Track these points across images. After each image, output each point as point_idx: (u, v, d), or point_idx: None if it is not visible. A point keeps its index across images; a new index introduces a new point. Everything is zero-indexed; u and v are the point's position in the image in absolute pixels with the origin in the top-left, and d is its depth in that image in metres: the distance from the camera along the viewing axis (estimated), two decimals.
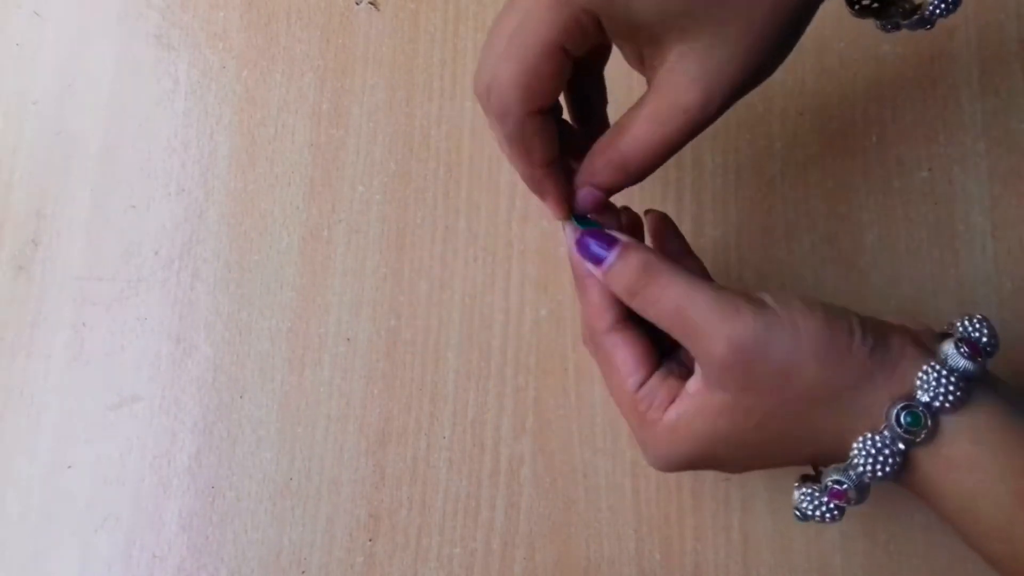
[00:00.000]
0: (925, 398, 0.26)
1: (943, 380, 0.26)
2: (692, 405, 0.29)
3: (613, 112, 0.33)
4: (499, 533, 0.41)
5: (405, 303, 0.44)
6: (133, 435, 0.44)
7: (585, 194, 0.31)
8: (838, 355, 0.27)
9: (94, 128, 0.48)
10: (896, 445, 0.27)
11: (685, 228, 0.43)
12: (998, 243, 0.41)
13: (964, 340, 0.27)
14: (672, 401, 0.30)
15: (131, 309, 0.45)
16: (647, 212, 0.35)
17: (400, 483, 0.42)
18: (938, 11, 0.30)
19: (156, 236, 0.46)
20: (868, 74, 0.44)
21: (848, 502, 0.28)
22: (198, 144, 0.47)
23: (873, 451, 0.27)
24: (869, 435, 0.27)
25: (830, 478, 0.28)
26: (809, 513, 0.29)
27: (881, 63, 0.44)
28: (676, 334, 0.29)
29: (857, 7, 0.33)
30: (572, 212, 0.32)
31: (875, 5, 0.32)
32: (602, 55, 0.33)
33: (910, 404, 0.26)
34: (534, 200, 0.44)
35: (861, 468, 0.27)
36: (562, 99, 0.34)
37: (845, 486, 0.27)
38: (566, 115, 0.34)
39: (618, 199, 0.33)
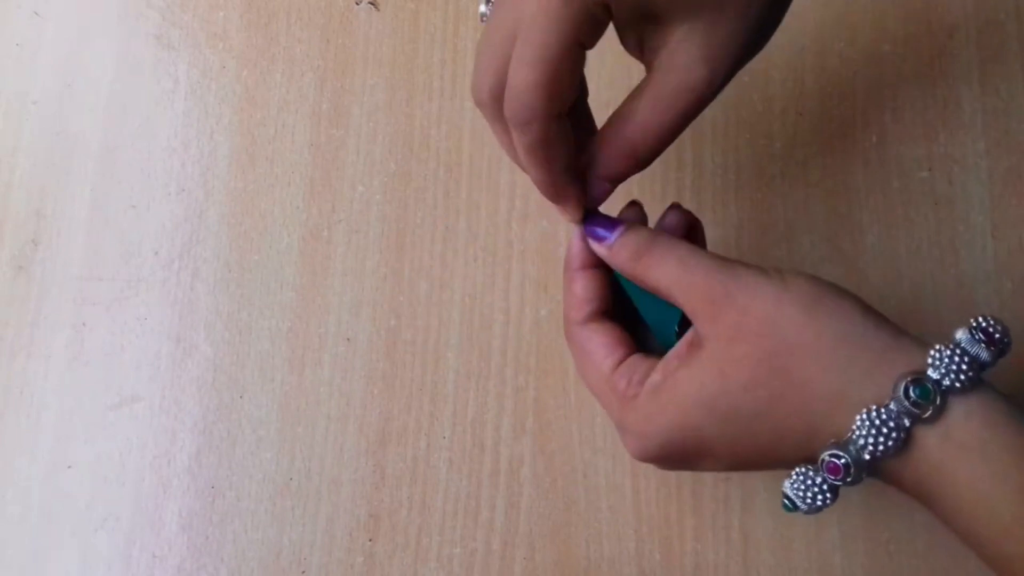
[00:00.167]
0: (935, 375, 0.25)
1: (956, 359, 0.25)
2: (676, 364, 0.28)
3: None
4: (499, 533, 0.41)
5: (405, 303, 0.44)
6: (133, 435, 0.44)
7: (596, 189, 0.31)
8: (827, 308, 0.27)
9: (94, 128, 0.48)
10: (901, 420, 0.25)
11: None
12: (998, 243, 0.41)
13: (979, 329, 0.26)
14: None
15: (131, 309, 0.45)
16: (672, 206, 0.33)
17: (400, 483, 0.42)
18: None
19: (156, 236, 0.46)
20: (868, 74, 0.44)
21: (844, 479, 0.26)
22: (198, 144, 0.47)
23: (877, 423, 0.25)
24: (873, 407, 0.25)
25: (827, 452, 0.26)
26: (800, 494, 0.27)
27: (881, 63, 0.44)
28: (676, 292, 0.29)
29: None
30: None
31: None
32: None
33: (920, 377, 0.25)
34: (534, 200, 0.44)
35: (862, 442, 0.25)
36: None
37: (843, 460, 0.26)
38: None
39: (619, 198, 0.34)
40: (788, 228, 0.43)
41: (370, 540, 0.42)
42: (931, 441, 0.25)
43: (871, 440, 0.25)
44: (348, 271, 0.45)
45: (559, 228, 0.44)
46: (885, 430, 0.25)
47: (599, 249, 0.31)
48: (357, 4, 0.48)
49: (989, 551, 0.26)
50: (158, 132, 0.47)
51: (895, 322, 0.28)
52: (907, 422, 0.25)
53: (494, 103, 0.29)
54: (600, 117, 0.32)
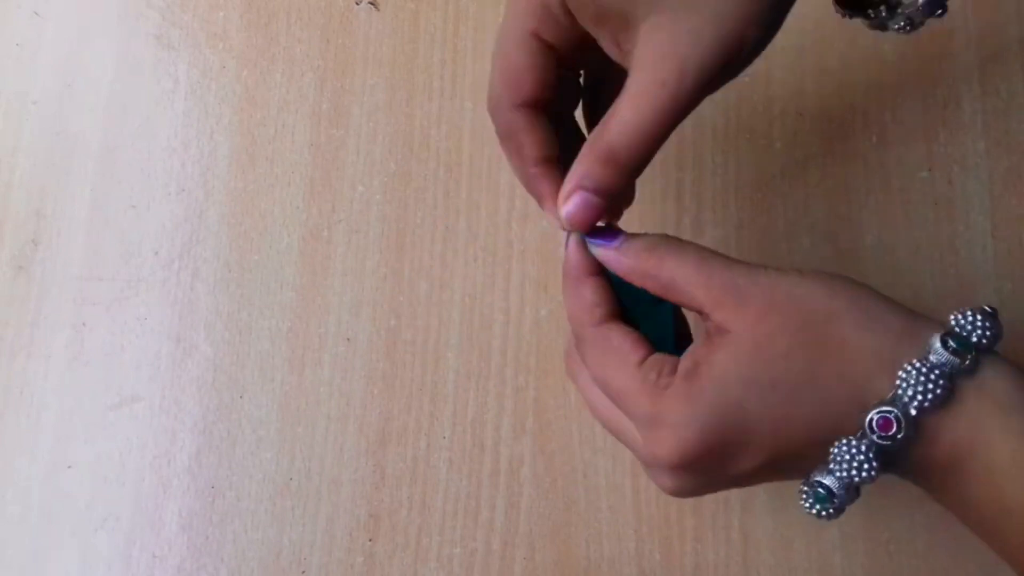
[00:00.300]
0: (963, 333, 0.26)
1: (977, 321, 0.26)
2: (706, 350, 0.27)
3: None
4: (499, 533, 0.41)
5: (405, 303, 0.44)
6: (133, 435, 0.44)
7: (577, 203, 0.29)
8: (846, 287, 0.27)
9: (94, 128, 0.48)
10: (944, 369, 0.25)
11: (685, 228, 0.43)
12: (998, 243, 0.41)
13: (979, 311, 0.27)
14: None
15: (131, 309, 0.45)
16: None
17: (400, 483, 0.42)
18: (920, 11, 0.30)
19: (156, 236, 0.46)
20: (868, 74, 0.44)
21: (896, 435, 0.25)
22: (198, 144, 0.47)
23: (924, 371, 0.25)
24: (916, 361, 0.26)
25: (875, 411, 0.26)
26: (842, 470, 0.26)
27: (881, 63, 0.44)
28: (694, 285, 0.28)
29: (843, 4, 0.33)
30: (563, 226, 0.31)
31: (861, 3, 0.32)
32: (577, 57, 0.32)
33: (952, 332, 0.26)
34: (534, 200, 0.44)
35: (910, 393, 0.25)
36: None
37: (893, 414, 0.25)
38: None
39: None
40: (788, 228, 0.43)
41: (370, 540, 0.42)
42: (970, 395, 0.26)
43: (919, 390, 0.25)
44: (348, 271, 0.45)
45: (559, 228, 0.44)
46: (931, 380, 0.25)
47: (606, 253, 0.30)
48: (357, 4, 0.48)
49: (1014, 518, 0.25)
50: (158, 132, 0.47)
51: None
52: (949, 370, 0.26)
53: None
54: None
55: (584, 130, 0.34)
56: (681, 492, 0.29)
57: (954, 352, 0.25)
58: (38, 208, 0.47)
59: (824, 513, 0.27)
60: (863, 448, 0.26)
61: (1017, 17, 0.43)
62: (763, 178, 0.43)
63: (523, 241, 0.44)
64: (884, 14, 0.32)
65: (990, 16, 0.43)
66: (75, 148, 0.48)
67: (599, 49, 0.30)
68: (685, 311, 0.31)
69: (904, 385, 0.25)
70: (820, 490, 0.27)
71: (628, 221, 0.34)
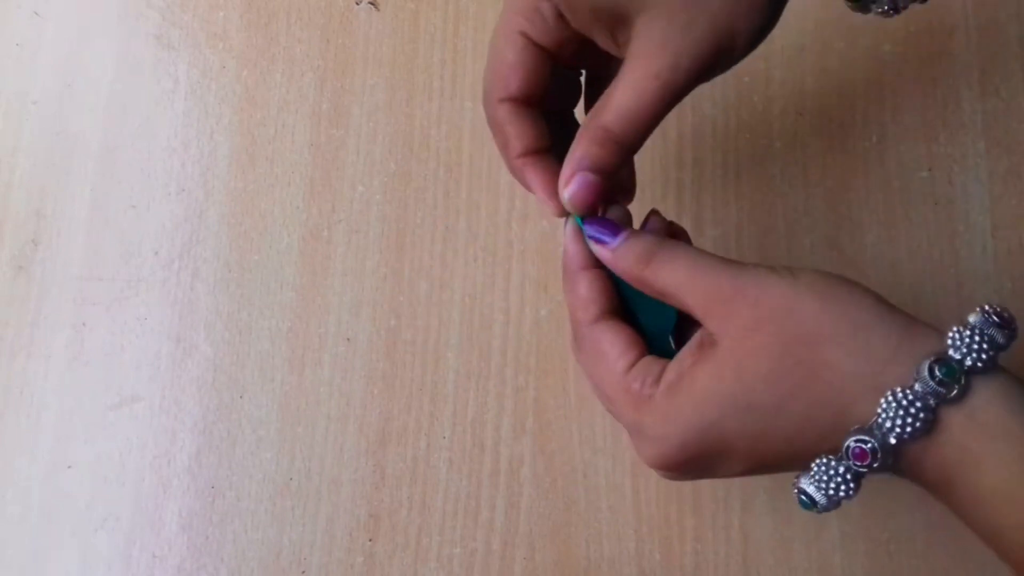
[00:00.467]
0: (957, 355, 0.25)
1: (976, 338, 0.25)
2: (691, 362, 0.28)
3: None
4: (499, 533, 0.41)
5: (405, 303, 0.44)
6: (133, 435, 0.44)
7: (578, 183, 0.29)
8: (840, 297, 0.26)
9: (94, 128, 0.48)
10: (928, 400, 0.24)
11: (685, 228, 0.43)
12: (998, 243, 0.41)
13: (992, 312, 0.26)
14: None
15: (131, 309, 0.45)
16: (669, 224, 0.33)
17: (400, 483, 0.42)
18: None
19: (156, 236, 0.46)
20: (868, 74, 0.44)
21: (871, 464, 0.25)
22: (198, 144, 0.47)
23: (904, 403, 0.24)
24: (899, 389, 0.25)
25: (852, 439, 0.25)
26: (822, 486, 0.26)
27: (881, 63, 0.44)
28: (685, 293, 0.28)
29: None
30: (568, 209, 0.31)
31: None
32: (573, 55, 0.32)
33: (943, 357, 0.25)
34: (534, 200, 0.44)
35: (888, 424, 0.25)
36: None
37: (869, 444, 0.25)
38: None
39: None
40: (788, 228, 0.43)
41: (370, 540, 0.42)
42: (956, 422, 0.25)
43: (898, 422, 0.25)
44: (348, 271, 0.45)
45: (559, 228, 0.44)
46: (912, 411, 0.25)
47: (602, 253, 0.30)
48: (357, 4, 0.48)
49: (1008, 540, 0.25)
50: (158, 132, 0.47)
51: None
52: (933, 403, 0.25)
53: None
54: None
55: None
56: (671, 479, 0.31)
57: (940, 383, 0.25)
58: (38, 208, 0.47)
59: (814, 511, 0.27)
60: (841, 470, 0.26)
61: (1017, 17, 0.43)
62: (763, 178, 0.43)
63: (523, 241, 0.44)
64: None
65: (990, 16, 0.43)
66: (75, 148, 0.48)
67: (595, 48, 0.30)
68: None
69: (884, 415, 0.25)
70: (804, 497, 0.27)
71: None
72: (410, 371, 0.43)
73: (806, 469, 0.27)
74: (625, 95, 0.28)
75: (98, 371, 0.45)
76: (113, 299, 0.46)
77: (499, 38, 0.30)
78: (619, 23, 0.28)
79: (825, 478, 0.26)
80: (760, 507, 0.40)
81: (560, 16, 0.29)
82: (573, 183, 0.29)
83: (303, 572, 0.42)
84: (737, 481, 0.40)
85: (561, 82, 0.32)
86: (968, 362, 0.25)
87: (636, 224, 0.33)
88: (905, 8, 0.31)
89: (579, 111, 0.35)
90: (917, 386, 0.25)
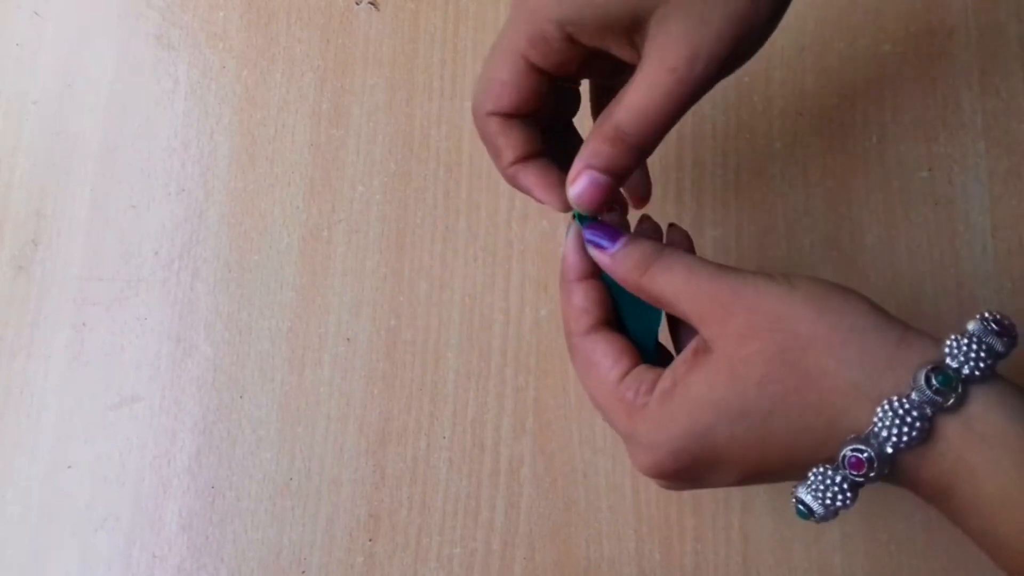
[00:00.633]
0: (954, 364, 0.25)
1: (973, 347, 0.25)
2: (685, 369, 0.28)
3: None
4: (499, 533, 0.41)
5: (405, 303, 0.44)
6: (133, 435, 0.44)
7: (585, 182, 0.29)
8: (836, 304, 0.26)
9: (94, 128, 0.48)
10: (924, 409, 0.24)
11: (685, 228, 0.43)
12: (998, 243, 0.41)
13: (991, 320, 0.26)
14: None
15: (131, 309, 0.45)
16: (671, 226, 0.34)
17: (400, 483, 0.42)
18: None
19: (156, 236, 0.46)
20: (868, 74, 0.44)
21: (867, 474, 0.25)
22: (198, 144, 0.47)
23: (901, 412, 0.24)
24: (895, 398, 0.25)
25: (848, 448, 0.25)
26: (818, 497, 0.26)
27: (881, 63, 0.44)
28: (682, 300, 0.28)
29: None
30: (574, 208, 0.31)
31: None
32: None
33: (940, 366, 0.25)
34: (534, 200, 0.44)
35: (885, 434, 0.24)
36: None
37: (866, 454, 0.25)
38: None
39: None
40: (788, 228, 0.43)
41: (370, 540, 0.42)
42: (953, 431, 0.25)
43: (894, 432, 0.24)
44: (348, 271, 0.45)
45: (559, 228, 0.44)
46: (909, 420, 0.24)
47: (600, 258, 0.30)
48: (357, 4, 0.48)
49: (1007, 549, 0.25)
50: (158, 132, 0.47)
51: None
52: (930, 411, 0.25)
53: None
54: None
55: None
56: (666, 487, 0.30)
57: (937, 391, 0.24)
58: (38, 208, 0.47)
59: (812, 520, 0.27)
60: (838, 479, 0.26)
61: (1017, 17, 0.43)
62: (763, 178, 0.43)
63: (523, 241, 0.44)
64: None
65: (990, 16, 0.43)
66: (75, 148, 0.48)
67: (600, 64, 0.30)
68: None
69: (880, 424, 0.25)
70: (801, 506, 0.27)
71: (628, 220, 0.34)
72: (410, 371, 0.43)
73: (803, 478, 0.27)
74: (639, 92, 0.27)
75: (98, 371, 0.45)
76: (113, 299, 0.46)
77: (497, 55, 0.29)
78: (634, 27, 0.27)
79: (822, 488, 0.26)
80: (760, 507, 0.40)
81: (567, 38, 0.28)
82: (580, 181, 0.29)
83: (303, 572, 0.42)
84: None
85: (558, 94, 0.32)
86: (965, 371, 0.25)
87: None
88: None
89: (578, 121, 0.35)
90: (914, 395, 0.25)
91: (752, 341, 0.26)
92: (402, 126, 0.46)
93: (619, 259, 0.30)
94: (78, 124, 0.48)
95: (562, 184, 0.30)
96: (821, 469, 0.26)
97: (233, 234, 0.46)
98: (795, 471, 0.27)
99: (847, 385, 0.25)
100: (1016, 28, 0.43)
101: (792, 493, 0.27)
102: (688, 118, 0.44)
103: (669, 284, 0.29)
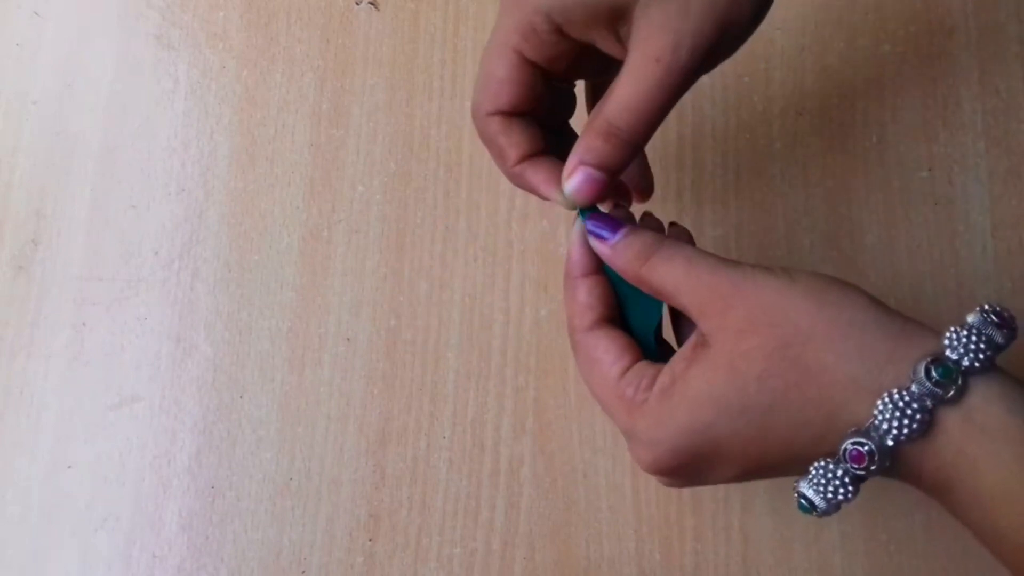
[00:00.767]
0: (954, 356, 0.25)
1: (972, 339, 0.25)
2: (684, 365, 0.28)
3: None
4: (499, 533, 0.41)
5: (405, 303, 0.44)
6: (133, 435, 0.44)
7: (580, 177, 0.29)
8: (836, 298, 0.26)
9: (94, 128, 0.48)
10: (924, 401, 0.24)
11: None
12: (998, 243, 0.41)
13: (991, 311, 0.26)
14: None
15: (131, 309, 0.45)
16: (672, 224, 0.34)
17: (400, 483, 0.42)
18: None
19: (156, 236, 0.46)
20: (868, 74, 0.44)
21: (868, 467, 0.25)
22: (198, 144, 0.47)
23: (901, 405, 0.24)
24: (895, 390, 0.25)
25: (849, 440, 0.25)
26: (820, 490, 0.26)
27: (881, 63, 0.44)
28: (682, 292, 0.28)
29: None
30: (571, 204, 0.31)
31: None
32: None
33: (940, 358, 0.25)
34: (534, 200, 0.44)
35: (885, 426, 0.24)
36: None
37: (867, 447, 0.25)
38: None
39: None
40: (788, 228, 0.43)
41: (370, 540, 0.42)
42: (953, 424, 0.25)
43: (895, 424, 0.25)
44: (348, 271, 0.45)
45: (559, 228, 0.44)
46: (909, 412, 0.24)
47: (601, 248, 0.30)
48: (357, 4, 0.48)
49: (1007, 542, 0.25)
50: (158, 132, 0.47)
51: None
52: (930, 404, 0.25)
53: None
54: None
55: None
56: (667, 484, 0.31)
57: (937, 383, 0.24)
58: (38, 208, 0.47)
59: (814, 515, 0.27)
60: (839, 473, 0.26)
61: (1017, 17, 0.43)
62: (763, 178, 0.43)
63: (523, 241, 0.44)
64: None
65: (990, 16, 0.43)
66: (75, 148, 0.48)
67: (591, 60, 0.30)
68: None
69: (881, 417, 0.25)
70: (803, 500, 0.27)
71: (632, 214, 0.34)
72: (410, 371, 0.43)
73: (804, 473, 0.27)
74: (627, 85, 0.27)
75: (98, 371, 0.45)
76: (113, 299, 0.46)
77: (491, 53, 0.30)
78: (618, 17, 0.28)
79: (823, 482, 0.26)
80: (760, 507, 0.40)
81: (556, 30, 0.29)
82: (575, 177, 0.29)
83: (303, 572, 0.42)
84: None
85: (554, 95, 0.32)
86: (965, 363, 0.25)
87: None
88: None
89: (574, 123, 0.35)
90: (914, 387, 0.25)
91: (751, 336, 0.26)
92: (402, 126, 0.46)
93: (619, 249, 0.30)
94: (78, 124, 0.48)
95: (550, 189, 0.30)
96: (822, 463, 0.26)
97: (233, 234, 0.46)
98: (796, 465, 0.27)
99: (847, 379, 0.25)
100: (1016, 28, 0.43)
101: (794, 488, 0.27)
102: (688, 118, 0.44)
103: (669, 275, 0.28)
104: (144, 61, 0.49)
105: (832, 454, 0.26)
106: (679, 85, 0.27)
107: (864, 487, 0.26)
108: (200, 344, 0.45)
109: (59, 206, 0.47)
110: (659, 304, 0.31)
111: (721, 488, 0.40)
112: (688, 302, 0.28)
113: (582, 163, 0.29)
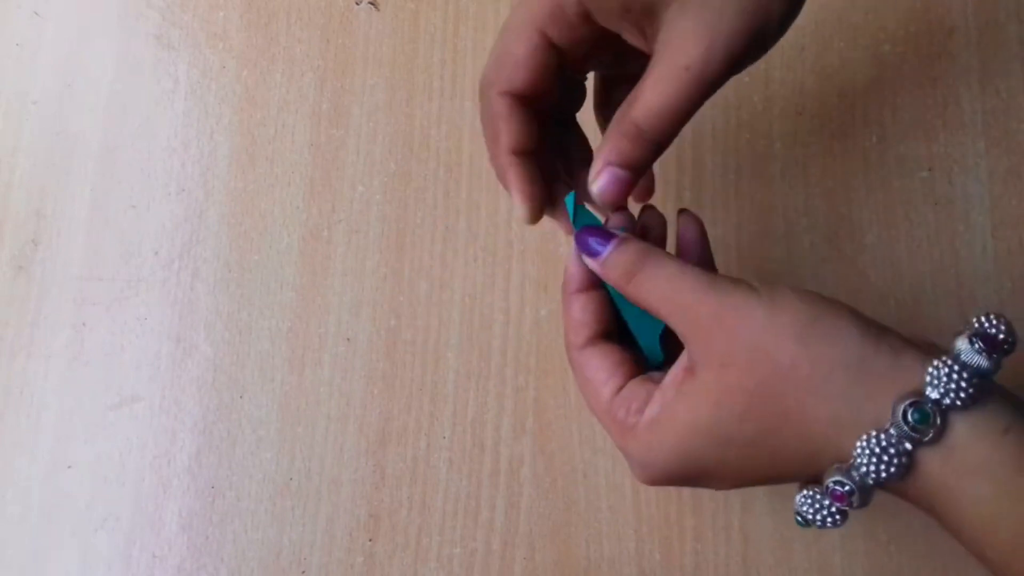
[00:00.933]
0: (935, 394, 0.24)
1: (955, 375, 0.24)
2: (672, 394, 0.28)
3: None
4: (499, 533, 0.41)
5: (405, 303, 0.44)
6: (133, 435, 0.44)
7: (607, 178, 0.29)
8: (822, 333, 0.26)
9: (94, 128, 0.48)
10: (902, 444, 0.25)
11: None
12: (998, 243, 0.41)
13: (979, 335, 0.25)
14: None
15: (131, 309, 0.45)
16: (681, 211, 0.33)
17: (400, 483, 0.42)
18: None
19: (156, 236, 0.46)
20: (868, 74, 0.44)
21: (850, 505, 0.26)
22: (198, 144, 0.47)
23: (878, 450, 0.25)
24: (873, 433, 0.25)
25: (832, 479, 0.26)
26: (810, 517, 0.27)
27: (881, 63, 0.44)
28: (666, 313, 0.28)
29: None
30: (574, 215, 0.31)
31: None
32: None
33: (918, 400, 0.24)
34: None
35: (865, 468, 0.25)
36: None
37: (847, 487, 0.25)
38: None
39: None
40: (788, 228, 0.43)
41: (370, 540, 0.42)
42: (933, 462, 0.25)
43: (873, 467, 0.25)
44: (348, 271, 0.45)
45: (559, 228, 0.44)
46: (886, 457, 0.25)
47: (592, 264, 0.30)
48: (357, 4, 0.48)
49: (995, 567, 0.25)
50: (158, 132, 0.47)
51: (895, 324, 0.28)
52: (908, 446, 0.25)
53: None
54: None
55: (598, 127, 0.34)
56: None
57: (914, 428, 0.24)
58: (38, 208, 0.47)
59: (811, 526, 0.28)
60: (826, 504, 0.26)
61: (1017, 17, 0.43)
62: (763, 178, 0.43)
63: (523, 241, 0.44)
64: None
65: (990, 16, 0.43)
66: (75, 148, 0.48)
67: (608, 50, 0.30)
68: None
69: (861, 458, 0.25)
70: (799, 518, 0.28)
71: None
72: (410, 371, 0.43)
73: (798, 490, 0.27)
74: (655, 90, 0.28)
75: (98, 371, 0.45)
76: (113, 299, 0.46)
77: (512, 31, 0.29)
78: (648, 15, 0.28)
79: (813, 509, 0.27)
80: (760, 507, 0.40)
81: (584, 14, 0.28)
82: (602, 177, 0.29)
83: (303, 572, 0.42)
84: None
85: (565, 84, 0.32)
86: (947, 401, 0.24)
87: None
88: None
89: (579, 115, 0.35)
90: (892, 430, 0.25)
91: (733, 371, 0.26)
92: (402, 126, 0.46)
93: (608, 266, 0.30)
94: (78, 124, 0.48)
95: (541, 196, 0.31)
96: (810, 492, 0.27)
97: (233, 234, 0.46)
98: (788, 480, 0.28)
99: (828, 418, 0.26)
100: (1016, 28, 0.43)
101: (793, 508, 0.28)
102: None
103: (652, 295, 0.29)
104: (144, 61, 0.49)
105: (819, 479, 0.27)
106: (706, 92, 0.28)
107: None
108: (200, 344, 0.45)
109: (59, 206, 0.47)
110: (658, 322, 0.31)
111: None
112: (673, 323, 0.28)
113: (609, 163, 0.29)
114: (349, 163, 0.46)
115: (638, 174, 0.29)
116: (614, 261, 0.30)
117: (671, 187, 0.44)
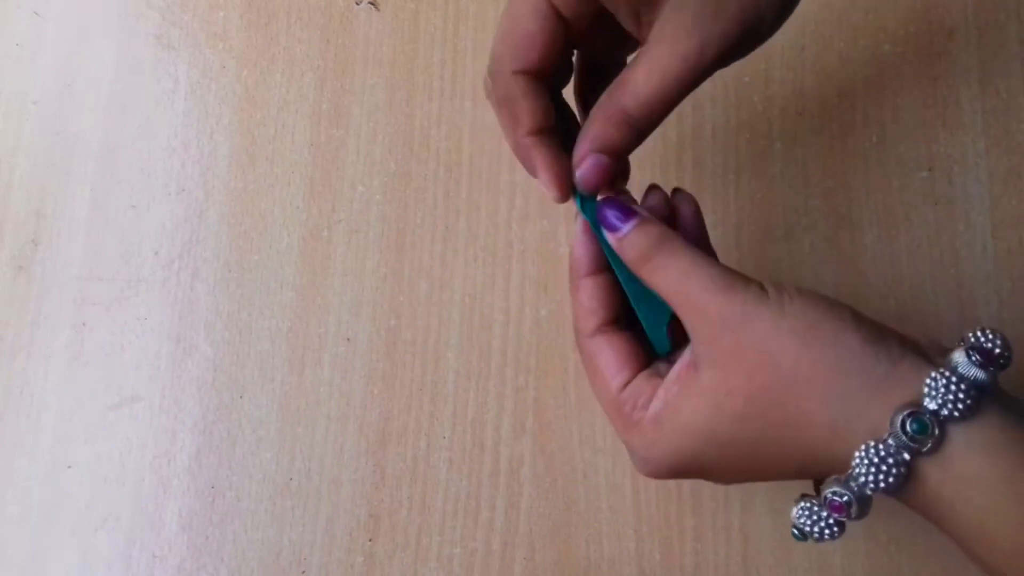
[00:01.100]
0: (932, 405, 0.25)
1: (952, 387, 0.25)
2: (676, 390, 0.28)
3: None
4: (499, 533, 0.41)
5: (405, 303, 0.44)
6: (133, 435, 0.44)
7: (590, 164, 0.29)
8: (824, 338, 0.26)
9: (94, 128, 0.48)
10: (900, 455, 0.25)
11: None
12: (998, 243, 0.41)
13: (976, 348, 0.26)
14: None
15: (131, 309, 0.45)
16: (676, 190, 0.33)
17: (400, 483, 0.42)
18: None
19: (156, 236, 0.46)
20: (868, 74, 0.44)
21: (849, 516, 0.26)
22: (198, 144, 0.47)
23: (876, 459, 0.25)
24: (872, 443, 0.25)
25: (829, 490, 0.26)
26: (807, 529, 0.27)
27: (881, 63, 0.44)
28: (676, 304, 0.28)
29: None
30: (577, 193, 0.31)
31: None
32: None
33: (916, 411, 0.25)
34: (534, 200, 0.44)
35: (863, 479, 0.25)
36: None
37: (845, 498, 0.26)
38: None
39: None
40: (788, 228, 0.43)
41: (370, 540, 0.42)
42: (930, 472, 0.25)
43: (871, 477, 0.25)
44: (348, 271, 0.45)
45: (559, 228, 0.44)
46: (884, 467, 0.25)
47: (610, 238, 0.30)
48: (357, 4, 0.48)
49: (993, 573, 0.26)
50: (158, 132, 0.47)
51: (895, 324, 0.28)
52: (906, 456, 0.25)
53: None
54: None
55: (576, 109, 0.34)
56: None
57: (912, 438, 0.24)
58: (38, 208, 0.47)
59: (807, 539, 0.28)
60: (823, 515, 0.27)
61: (1017, 17, 0.43)
62: (763, 178, 0.43)
63: (523, 241, 0.44)
64: None
65: (990, 16, 0.43)
66: (75, 148, 0.48)
67: (604, 29, 0.30)
68: None
69: (859, 468, 0.25)
70: (795, 531, 0.28)
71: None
72: (410, 371, 0.43)
73: (795, 503, 0.28)
74: (649, 78, 0.27)
75: (98, 371, 0.45)
76: (113, 299, 0.46)
77: (520, 5, 0.29)
78: (646, 2, 0.27)
79: (810, 522, 0.27)
80: (760, 507, 0.40)
81: None
82: (585, 164, 0.29)
83: (303, 572, 0.42)
84: None
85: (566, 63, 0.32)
86: (944, 412, 0.25)
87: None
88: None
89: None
90: (890, 440, 0.25)
91: (736, 373, 0.27)
92: (402, 126, 0.46)
93: (626, 244, 0.30)
94: (78, 124, 0.48)
95: (569, 173, 0.30)
96: (807, 504, 0.27)
97: (233, 234, 0.46)
98: (788, 478, 0.28)
99: (827, 424, 0.26)
100: (1016, 28, 0.43)
101: (790, 521, 0.28)
102: (688, 118, 0.44)
103: (664, 282, 0.29)
104: (144, 61, 0.49)
105: (818, 481, 0.27)
106: (697, 81, 0.28)
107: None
108: (200, 344, 0.45)
109: (59, 206, 0.47)
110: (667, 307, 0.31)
111: (721, 488, 0.40)
112: (681, 314, 0.28)
113: (593, 149, 0.29)
114: (349, 163, 0.46)
115: (619, 161, 0.30)
116: (632, 240, 0.29)
117: (671, 187, 0.44)
